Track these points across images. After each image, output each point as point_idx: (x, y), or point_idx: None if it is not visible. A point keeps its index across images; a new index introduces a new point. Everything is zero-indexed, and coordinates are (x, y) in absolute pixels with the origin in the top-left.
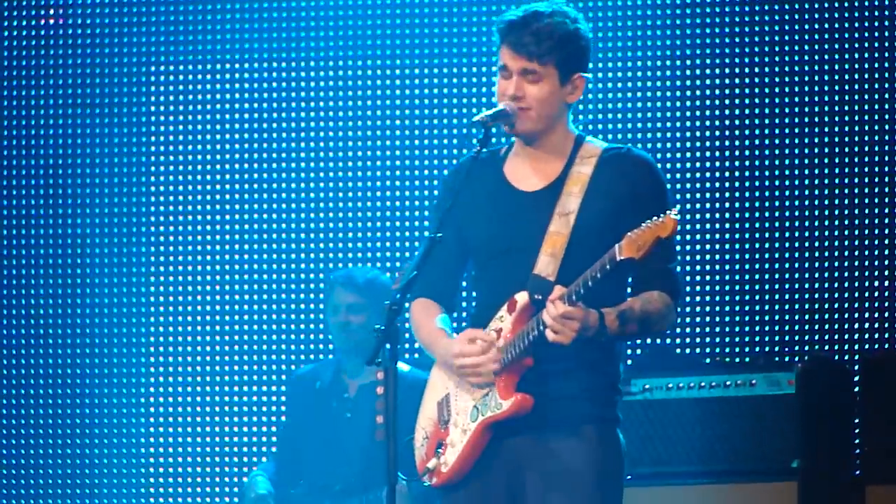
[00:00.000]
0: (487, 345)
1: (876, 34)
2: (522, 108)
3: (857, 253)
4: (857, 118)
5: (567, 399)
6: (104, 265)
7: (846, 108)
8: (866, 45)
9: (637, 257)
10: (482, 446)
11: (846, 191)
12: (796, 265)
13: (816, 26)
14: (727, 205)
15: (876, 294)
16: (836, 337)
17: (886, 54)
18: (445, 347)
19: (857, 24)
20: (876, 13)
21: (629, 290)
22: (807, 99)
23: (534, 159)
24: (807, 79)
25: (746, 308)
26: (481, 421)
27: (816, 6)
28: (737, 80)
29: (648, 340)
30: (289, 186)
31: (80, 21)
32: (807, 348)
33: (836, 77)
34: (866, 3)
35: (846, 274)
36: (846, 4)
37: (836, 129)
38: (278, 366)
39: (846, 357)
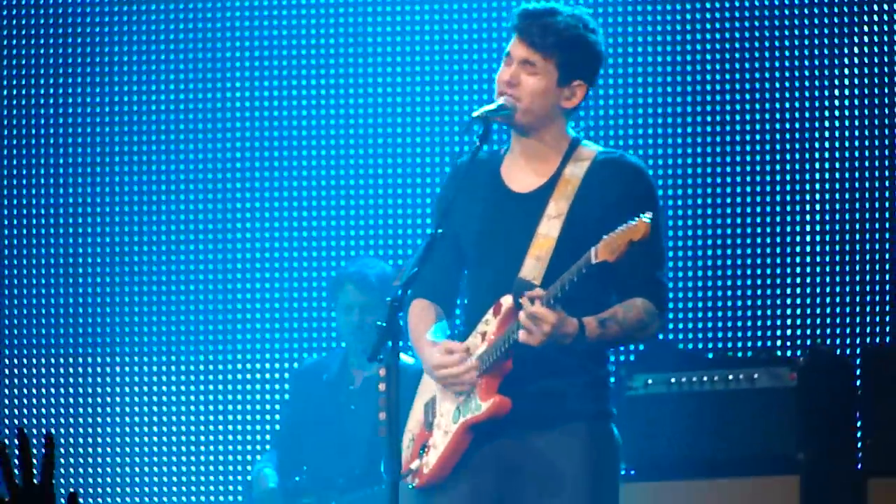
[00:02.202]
0: (464, 356)
1: (865, 38)
2: (513, 97)
3: (858, 247)
4: (857, 112)
5: (555, 397)
6: (105, 262)
7: (846, 102)
8: (857, 40)
9: (612, 260)
10: (463, 448)
11: (847, 185)
12: (797, 259)
13: (807, 32)
14: (728, 199)
15: (877, 287)
16: (838, 330)
17: (876, 48)
18: (428, 356)
19: (847, 26)
20: (865, 16)
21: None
22: (806, 94)
23: (528, 159)
24: (801, 73)
25: (748, 302)
26: (461, 422)
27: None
28: (736, 76)
29: None
30: (289, 179)
31: (74, 20)
32: (808, 342)
33: (835, 72)
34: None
35: (847, 268)
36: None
37: (837, 122)
38: (280, 362)
39: (848, 350)
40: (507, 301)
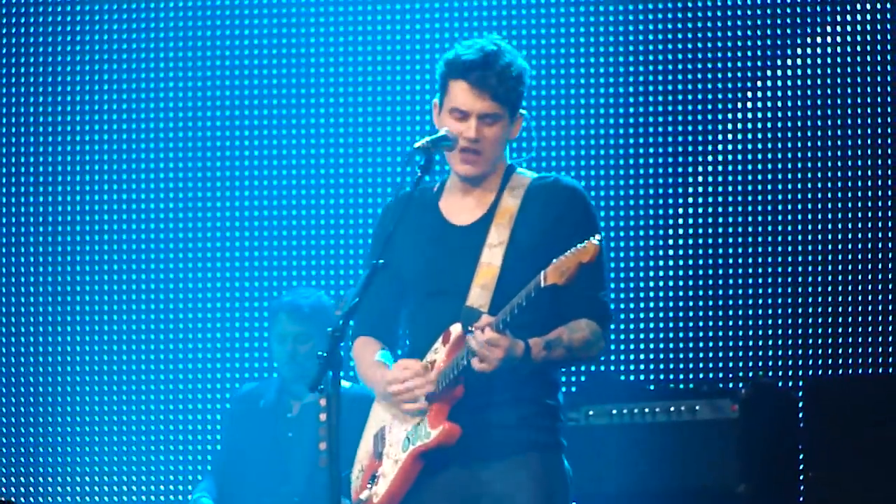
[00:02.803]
0: (420, 370)
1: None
2: (475, 151)
3: (801, 279)
4: (799, 150)
5: (507, 428)
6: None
7: (789, 133)
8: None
9: (561, 283)
10: (413, 476)
11: (789, 217)
12: (740, 291)
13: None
14: (670, 231)
15: (820, 320)
16: (780, 363)
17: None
18: (381, 377)
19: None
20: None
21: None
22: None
23: (466, 193)
24: (753, 97)
25: (690, 334)
26: (411, 450)
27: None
28: (679, 106)
29: (593, 367)
30: (230, 209)
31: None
32: (750, 374)
33: (767, 95)
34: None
35: (790, 300)
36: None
37: (779, 162)
38: (222, 383)
39: (790, 383)
40: (455, 329)
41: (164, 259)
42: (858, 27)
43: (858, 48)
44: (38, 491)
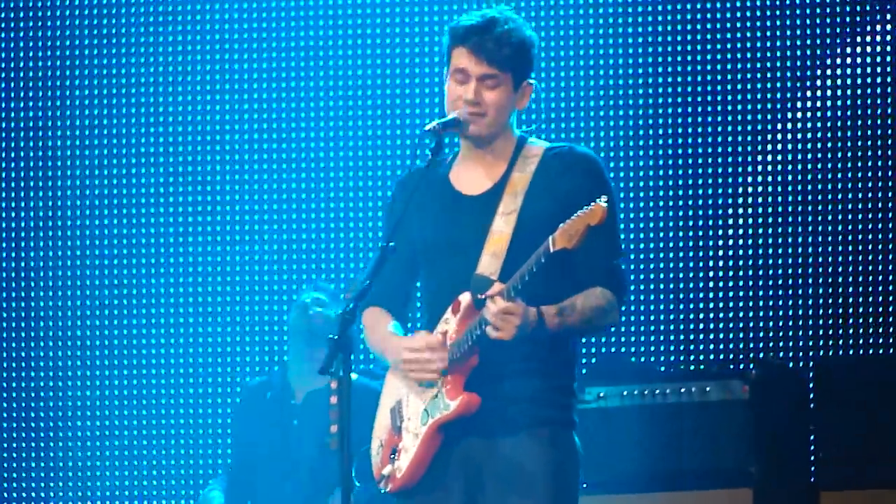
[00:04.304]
0: (436, 344)
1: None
2: (478, 114)
3: (811, 260)
4: (806, 136)
5: (521, 402)
6: (50, 275)
7: (808, 104)
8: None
9: (570, 247)
10: (434, 449)
11: (800, 198)
12: (750, 272)
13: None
14: (680, 212)
15: (830, 301)
16: (791, 344)
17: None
18: (395, 347)
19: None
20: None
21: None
22: (770, 116)
23: (478, 164)
24: (763, 77)
25: (700, 315)
26: (431, 423)
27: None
28: (687, 85)
29: (603, 349)
30: (240, 203)
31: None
32: (761, 355)
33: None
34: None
35: (800, 281)
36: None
37: (791, 141)
38: (233, 377)
39: (800, 364)
40: (465, 298)
41: (174, 253)
42: None
43: None
44: (50, 487)
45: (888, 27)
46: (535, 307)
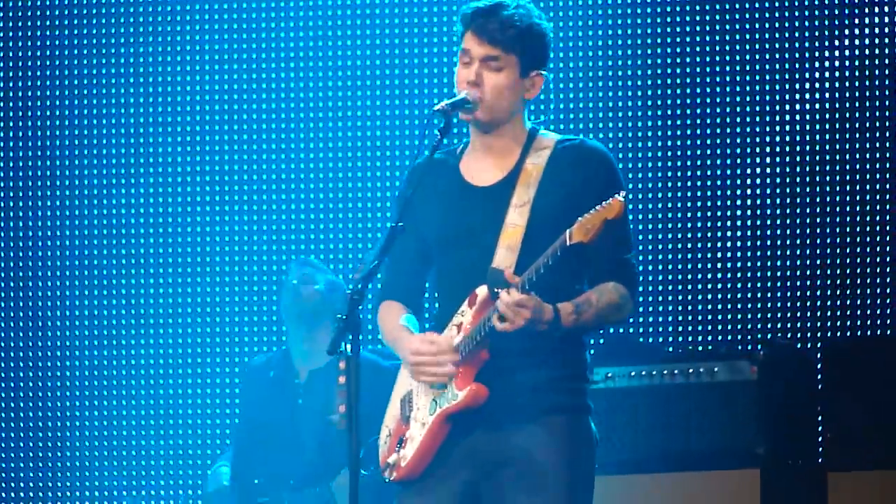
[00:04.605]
0: (445, 347)
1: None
2: (478, 96)
3: (819, 241)
4: (811, 117)
5: (533, 391)
6: (57, 265)
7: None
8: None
9: (587, 241)
10: (441, 439)
11: (807, 179)
12: (758, 253)
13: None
14: (689, 194)
15: (838, 282)
16: (799, 325)
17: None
18: (406, 342)
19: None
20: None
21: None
22: (778, 97)
23: (488, 154)
24: (757, 72)
25: (709, 296)
26: (438, 413)
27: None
28: (703, 73)
29: (611, 329)
30: (239, 183)
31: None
32: (769, 336)
33: (785, 75)
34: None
35: (808, 262)
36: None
37: (798, 122)
38: (240, 356)
39: (808, 345)
40: (482, 291)
41: (182, 243)
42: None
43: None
44: (63, 466)
45: (886, 28)
46: (551, 305)
